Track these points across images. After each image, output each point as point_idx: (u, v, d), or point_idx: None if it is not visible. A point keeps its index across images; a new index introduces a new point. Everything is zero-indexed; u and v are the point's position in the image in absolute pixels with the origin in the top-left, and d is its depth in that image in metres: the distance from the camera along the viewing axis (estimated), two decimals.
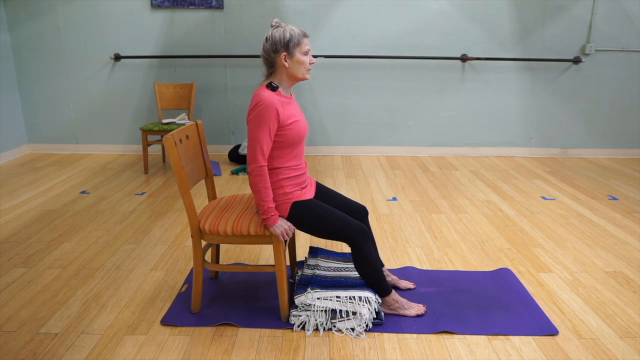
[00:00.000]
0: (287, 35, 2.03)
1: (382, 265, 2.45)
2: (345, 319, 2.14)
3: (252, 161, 2.03)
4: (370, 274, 2.18)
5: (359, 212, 2.36)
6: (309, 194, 2.22)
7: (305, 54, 2.08)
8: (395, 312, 2.25)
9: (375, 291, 2.22)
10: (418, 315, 2.24)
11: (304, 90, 5.14)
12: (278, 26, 2.07)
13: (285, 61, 2.06)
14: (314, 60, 2.13)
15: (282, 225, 2.11)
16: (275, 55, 2.06)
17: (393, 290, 2.25)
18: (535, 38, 4.99)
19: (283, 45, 2.04)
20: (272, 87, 2.08)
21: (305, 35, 2.08)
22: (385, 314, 2.25)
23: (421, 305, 2.29)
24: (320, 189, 2.37)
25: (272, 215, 2.07)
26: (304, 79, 2.14)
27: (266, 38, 2.07)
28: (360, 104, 5.19)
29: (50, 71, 5.10)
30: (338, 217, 2.14)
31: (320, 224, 2.14)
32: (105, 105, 5.21)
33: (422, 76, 5.12)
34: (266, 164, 2.04)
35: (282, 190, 2.13)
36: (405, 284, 2.50)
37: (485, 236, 3.18)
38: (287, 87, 2.15)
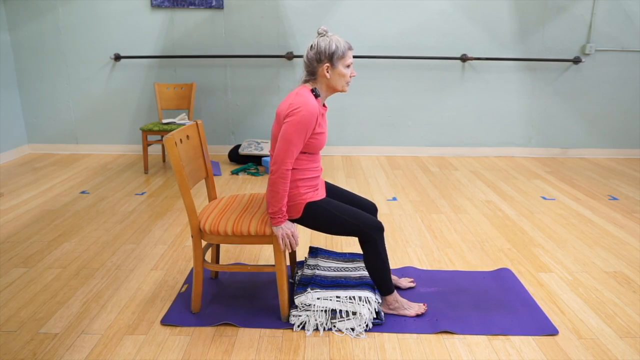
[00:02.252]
0: (333, 46, 2.02)
1: None
2: (345, 319, 2.15)
3: (280, 162, 1.99)
4: (380, 270, 2.17)
5: (369, 209, 2.35)
6: (321, 194, 2.21)
7: (348, 66, 2.07)
8: (395, 312, 2.25)
9: (380, 288, 2.21)
10: (418, 315, 2.24)
11: None
12: (325, 35, 2.05)
13: (327, 72, 2.05)
14: (355, 73, 2.12)
15: (285, 229, 2.08)
16: (318, 65, 2.05)
17: (395, 291, 2.25)
18: (535, 38, 4.99)
19: (327, 56, 2.02)
20: (316, 94, 2.07)
21: (349, 48, 2.06)
22: (385, 314, 2.25)
23: (421, 305, 2.29)
24: (330, 188, 2.36)
25: (279, 217, 2.06)
26: (342, 91, 2.12)
27: (311, 46, 2.05)
28: (360, 104, 5.19)
29: (50, 71, 5.10)
30: (352, 213, 2.14)
31: (335, 222, 2.13)
32: (105, 105, 5.21)
33: (422, 76, 5.12)
34: (291, 168, 2.03)
35: (296, 191, 2.12)
36: (406, 283, 2.50)
37: (485, 236, 3.18)
38: (324, 97, 2.14)
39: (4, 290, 2.47)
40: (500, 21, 4.95)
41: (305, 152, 2.10)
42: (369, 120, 5.24)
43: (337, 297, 2.18)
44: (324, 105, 2.15)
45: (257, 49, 5.03)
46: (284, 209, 2.05)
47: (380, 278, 2.19)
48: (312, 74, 2.09)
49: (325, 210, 2.14)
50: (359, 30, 4.98)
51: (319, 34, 2.07)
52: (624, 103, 5.16)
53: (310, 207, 2.13)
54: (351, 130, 5.27)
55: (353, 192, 4.03)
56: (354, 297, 2.17)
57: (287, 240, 2.09)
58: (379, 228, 2.14)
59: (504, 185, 4.28)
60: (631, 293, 2.49)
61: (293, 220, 2.18)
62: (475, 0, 4.90)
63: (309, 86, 2.10)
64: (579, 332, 2.15)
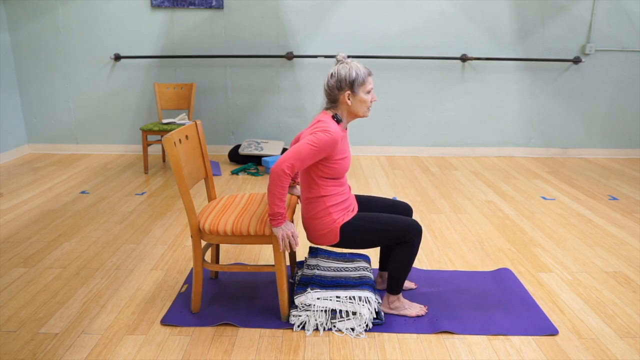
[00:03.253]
0: (353, 74, 2.03)
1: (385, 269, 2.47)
2: (345, 319, 2.15)
3: (283, 166, 1.96)
4: (404, 269, 2.17)
5: (404, 210, 2.35)
6: (354, 212, 2.21)
7: (368, 92, 2.08)
8: (396, 312, 2.25)
9: (392, 287, 2.21)
10: (418, 316, 2.24)
11: (304, 91, 5.14)
12: (344, 62, 2.06)
13: (348, 99, 2.06)
14: (376, 98, 2.13)
15: (285, 229, 2.06)
16: (339, 92, 2.06)
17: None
18: (535, 38, 4.99)
19: (348, 84, 2.04)
20: (338, 120, 2.08)
21: (369, 74, 2.07)
22: (385, 313, 2.25)
23: (422, 306, 2.29)
24: (362, 201, 2.34)
25: (279, 219, 2.05)
26: (363, 116, 2.14)
27: (331, 74, 2.06)
28: None
29: (50, 71, 5.10)
30: (389, 221, 2.13)
31: (374, 235, 2.13)
32: (105, 105, 5.21)
33: (422, 76, 5.12)
34: (292, 175, 2.02)
35: (329, 218, 2.12)
36: (407, 284, 2.50)
37: (485, 236, 3.18)
38: (345, 123, 2.15)
39: (4, 290, 2.47)
40: (500, 21, 4.95)
41: (330, 179, 2.10)
42: (369, 120, 5.24)
43: (337, 297, 2.18)
44: (346, 128, 2.16)
45: (257, 49, 5.03)
46: (282, 210, 2.04)
47: (399, 277, 2.19)
48: (333, 102, 2.10)
49: (361, 227, 2.13)
50: (359, 30, 4.98)
51: (338, 61, 2.08)
52: (624, 103, 5.16)
53: (346, 228, 2.13)
54: (351, 130, 5.27)
55: (352, 192, 4.03)
56: (354, 297, 2.17)
57: (287, 241, 2.08)
58: (418, 229, 2.12)
59: (504, 185, 4.28)
60: (631, 293, 2.49)
61: (332, 245, 2.19)
62: (475, 0, 4.90)
63: (329, 112, 2.10)
64: (579, 332, 2.15)
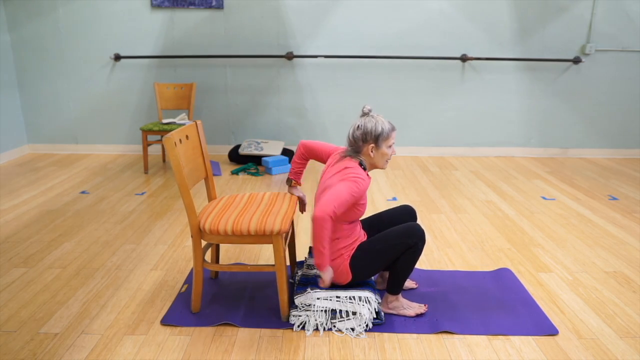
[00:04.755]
0: (379, 128, 2.09)
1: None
2: (345, 319, 2.15)
3: (329, 212, 1.95)
4: (405, 272, 2.18)
5: (408, 214, 2.37)
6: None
7: (390, 146, 2.14)
8: (395, 312, 2.25)
9: (391, 287, 2.21)
10: (418, 315, 2.24)
11: (304, 90, 5.14)
12: (370, 115, 2.12)
13: (371, 152, 2.13)
14: (395, 151, 2.20)
15: (329, 275, 2.09)
16: (364, 144, 2.12)
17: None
18: (535, 38, 4.99)
19: (373, 137, 2.10)
20: (364, 167, 2.15)
21: (393, 129, 2.14)
22: (385, 313, 2.25)
23: (422, 305, 2.29)
24: (367, 226, 2.36)
25: (326, 263, 2.06)
26: (381, 168, 2.21)
27: (357, 126, 2.12)
28: (360, 104, 5.18)
29: (50, 71, 5.10)
30: (388, 237, 2.15)
31: (380, 257, 2.15)
32: (105, 105, 5.21)
33: (422, 76, 5.12)
34: (335, 220, 2.02)
35: (341, 258, 2.16)
36: (408, 283, 2.50)
37: (485, 236, 3.18)
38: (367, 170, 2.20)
39: (4, 290, 2.47)
40: (500, 21, 4.95)
41: (347, 223, 2.14)
42: None
43: (337, 297, 2.18)
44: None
45: (257, 49, 5.03)
46: (327, 253, 2.03)
47: (399, 279, 2.20)
48: (356, 152, 2.15)
49: (365, 256, 2.16)
50: (359, 30, 4.98)
51: (364, 113, 2.14)
52: (623, 103, 5.16)
53: (353, 263, 2.16)
54: None
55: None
56: (354, 297, 2.17)
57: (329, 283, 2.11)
58: (420, 233, 2.13)
59: (504, 185, 4.28)
60: (631, 293, 2.49)
61: (349, 283, 2.21)
62: (475, 0, 4.90)
63: (355, 159, 2.15)
64: (579, 332, 2.15)
